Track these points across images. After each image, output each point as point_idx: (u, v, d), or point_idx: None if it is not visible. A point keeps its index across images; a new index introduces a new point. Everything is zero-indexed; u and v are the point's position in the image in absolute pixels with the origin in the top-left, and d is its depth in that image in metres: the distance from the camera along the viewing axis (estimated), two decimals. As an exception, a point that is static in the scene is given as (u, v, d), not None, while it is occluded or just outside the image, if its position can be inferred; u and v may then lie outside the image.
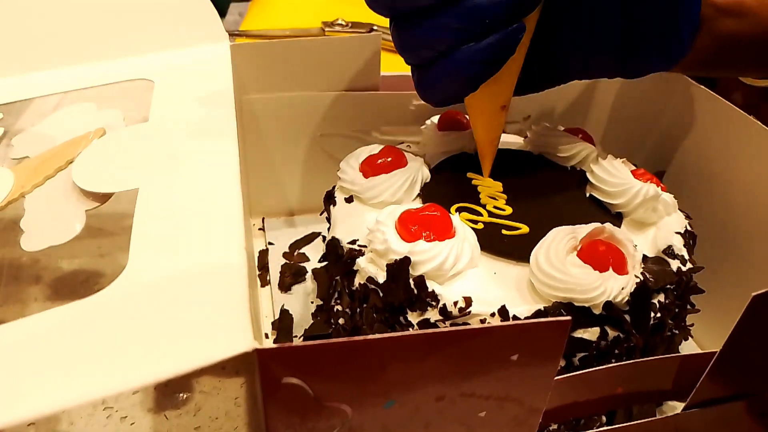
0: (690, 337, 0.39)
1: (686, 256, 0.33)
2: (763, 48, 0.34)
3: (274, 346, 0.18)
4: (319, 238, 0.48)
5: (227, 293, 0.21)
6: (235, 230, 0.25)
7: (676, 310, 0.32)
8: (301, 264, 0.45)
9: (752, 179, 0.37)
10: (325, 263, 0.38)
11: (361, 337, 0.18)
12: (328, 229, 0.37)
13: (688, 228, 0.35)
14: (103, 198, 0.30)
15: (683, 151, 0.42)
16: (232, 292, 0.21)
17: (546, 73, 0.36)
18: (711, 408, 0.27)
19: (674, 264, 0.32)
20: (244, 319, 0.20)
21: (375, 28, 0.70)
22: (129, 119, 0.37)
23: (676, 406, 0.31)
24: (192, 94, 0.37)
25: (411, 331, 0.22)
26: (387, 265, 0.30)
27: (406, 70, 0.52)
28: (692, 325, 0.36)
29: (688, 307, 0.34)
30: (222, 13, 0.87)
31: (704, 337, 0.40)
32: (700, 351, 0.39)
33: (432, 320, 0.30)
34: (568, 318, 0.20)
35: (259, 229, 0.50)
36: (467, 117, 0.43)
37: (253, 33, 0.65)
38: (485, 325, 0.20)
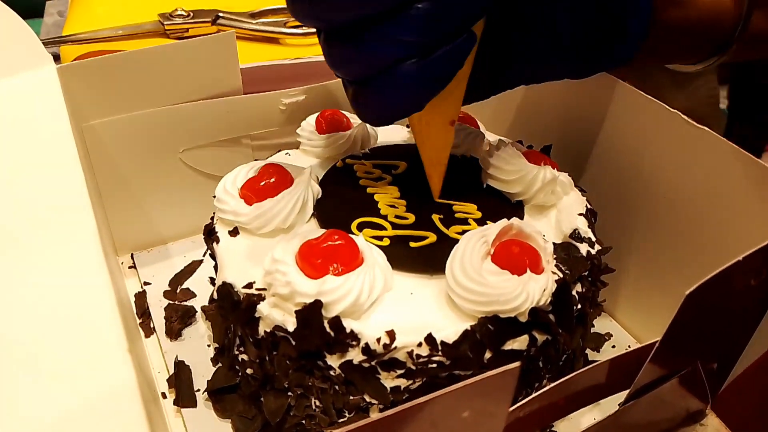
0: (603, 313, 0.40)
1: (593, 238, 0.33)
2: (698, 35, 0.33)
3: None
4: (202, 268, 0.43)
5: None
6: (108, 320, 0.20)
7: (591, 295, 0.32)
8: (187, 303, 0.40)
9: (667, 166, 0.36)
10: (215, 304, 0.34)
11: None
12: (215, 267, 0.33)
13: (588, 206, 0.35)
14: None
15: (588, 133, 0.41)
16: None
17: (493, 80, 0.33)
18: (647, 394, 0.27)
19: (583, 248, 0.32)
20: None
21: (221, 14, 0.63)
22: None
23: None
24: (19, 131, 0.31)
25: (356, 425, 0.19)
26: (296, 312, 0.27)
27: (266, 59, 0.47)
28: (604, 300, 0.36)
29: (599, 284, 0.34)
30: (38, 13, 0.75)
31: (626, 318, 0.41)
32: (619, 327, 0.40)
33: (355, 361, 0.27)
34: (517, 364, 0.19)
35: (130, 267, 0.44)
36: (347, 116, 0.39)
37: (81, 37, 0.56)
38: (434, 395, 0.17)
